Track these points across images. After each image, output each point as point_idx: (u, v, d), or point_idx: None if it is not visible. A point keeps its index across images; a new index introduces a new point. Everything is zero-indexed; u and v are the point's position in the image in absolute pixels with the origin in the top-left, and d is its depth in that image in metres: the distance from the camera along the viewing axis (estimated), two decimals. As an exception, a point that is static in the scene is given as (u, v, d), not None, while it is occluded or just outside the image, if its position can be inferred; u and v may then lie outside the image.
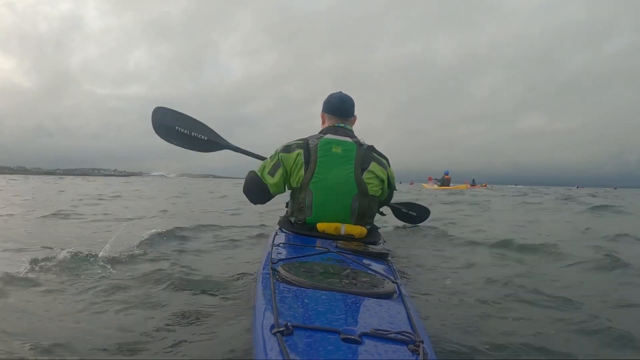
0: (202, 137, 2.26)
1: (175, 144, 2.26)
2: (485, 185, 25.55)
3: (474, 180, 27.31)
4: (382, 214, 2.02)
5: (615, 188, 46.44)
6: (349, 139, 1.82)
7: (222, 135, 2.27)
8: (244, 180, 1.88)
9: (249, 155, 2.31)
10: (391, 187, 1.97)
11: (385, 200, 2.03)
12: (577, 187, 32.93)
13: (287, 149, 1.79)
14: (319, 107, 2.04)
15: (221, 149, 2.31)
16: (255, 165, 1.91)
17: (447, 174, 16.11)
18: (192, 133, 2.27)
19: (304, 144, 1.79)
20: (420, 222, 2.58)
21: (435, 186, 16.13)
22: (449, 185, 15.75)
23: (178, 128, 2.25)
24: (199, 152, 2.24)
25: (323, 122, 2.01)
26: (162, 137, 2.26)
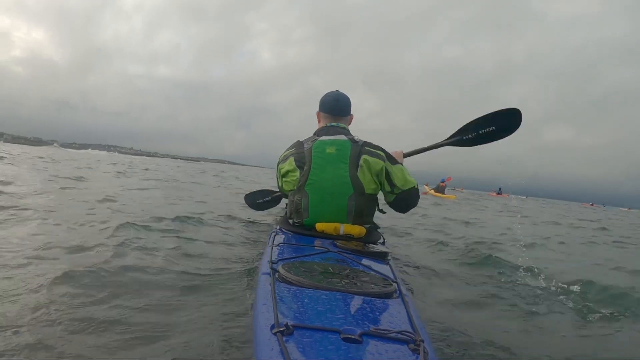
0: (268, 198, 3.24)
1: (262, 209, 3.37)
2: (501, 193, 26.09)
3: (500, 188, 27.70)
4: (382, 211, 1.99)
5: (629, 209, 46.22)
6: (342, 137, 1.81)
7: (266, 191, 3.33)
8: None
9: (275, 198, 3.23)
10: (395, 186, 1.79)
11: (394, 201, 1.85)
12: (591, 205, 32.56)
13: (284, 159, 1.90)
14: None
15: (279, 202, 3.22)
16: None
17: (442, 181, 16.54)
18: (265, 199, 3.28)
19: (298, 149, 1.83)
20: (508, 135, 1.97)
21: (432, 191, 16.31)
22: (443, 193, 15.89)
23: (259, 201, 3.32)
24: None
25: (319, 121, 2.01)
26: (253, 208, 3.34)
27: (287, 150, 1.91)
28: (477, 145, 2.07)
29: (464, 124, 2.06)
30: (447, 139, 2.14)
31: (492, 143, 2.10)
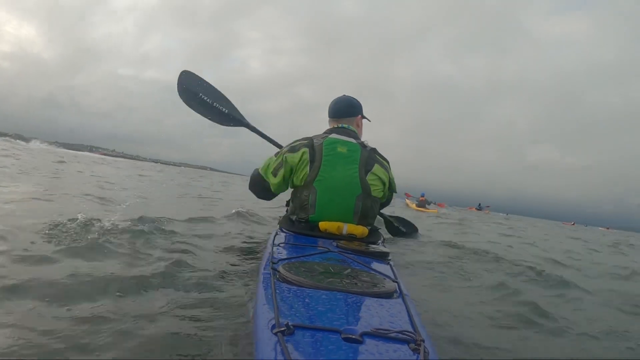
0: (223, 109, 2.26)
1: (195, 111, 2.23)
2: (481, 209, 26.16)
3: (480, 204, 27.55)
4: (382, 215, 2.05)
5: (608, 228, 46.68)
6: (353, 140, 1.83)
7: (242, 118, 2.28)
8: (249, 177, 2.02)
9: (263, 137, 2.31)
10: (392, 190, 1.98)
11: (385, 202, 2.04)
12: (573, 224, 32.74)
13: (293, 149, 1.82)
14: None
15: (239, 126, 2.30)
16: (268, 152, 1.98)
17: (422, 195, 16.54)
18: (214, 103, 2.26)
19: (309, 143, 1.80)
20: (408, 237, 2.69)
21: (414, 205, 16.12)
22: (424, 207, 15.67)
23: (201, 95, 2.23)
24: (216, 124, 2.23)
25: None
26: (184, 101, 2.24)
27: (297, 141, 1.85)
28: (394, 236, 2.65)
29: (395, 216, 2.70)
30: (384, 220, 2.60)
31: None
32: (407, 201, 17.72)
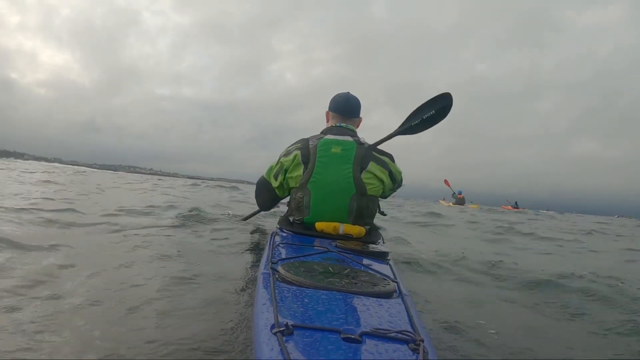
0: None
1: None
2: (517, 207, 25.97)
3: (516, 202, 27.36)
4: (383, 213, 2.01)
5: None
6: (349, 138, 1.82)
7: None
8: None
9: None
10: (396, 182, 1.93)
11: (385, 195, 1.97)
12: (617, 217, 32.40)
13: (287, 153, 1.88)
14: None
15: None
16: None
17: (460, 193, 17.15)
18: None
19: (303, 145, 1.83)
20: (443, 117, 2.15)
21: (451, 204, 16.81)
22: (462, 204, 16.42)
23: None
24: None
25: (327, 120, 2.03)
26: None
27: (292, 145, 1.90)
28: (422, 130, 2.20)
29: (412, 111, 2.22)
30: (399, 127, 2.23)
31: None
32: (443, 202, 18.14)
